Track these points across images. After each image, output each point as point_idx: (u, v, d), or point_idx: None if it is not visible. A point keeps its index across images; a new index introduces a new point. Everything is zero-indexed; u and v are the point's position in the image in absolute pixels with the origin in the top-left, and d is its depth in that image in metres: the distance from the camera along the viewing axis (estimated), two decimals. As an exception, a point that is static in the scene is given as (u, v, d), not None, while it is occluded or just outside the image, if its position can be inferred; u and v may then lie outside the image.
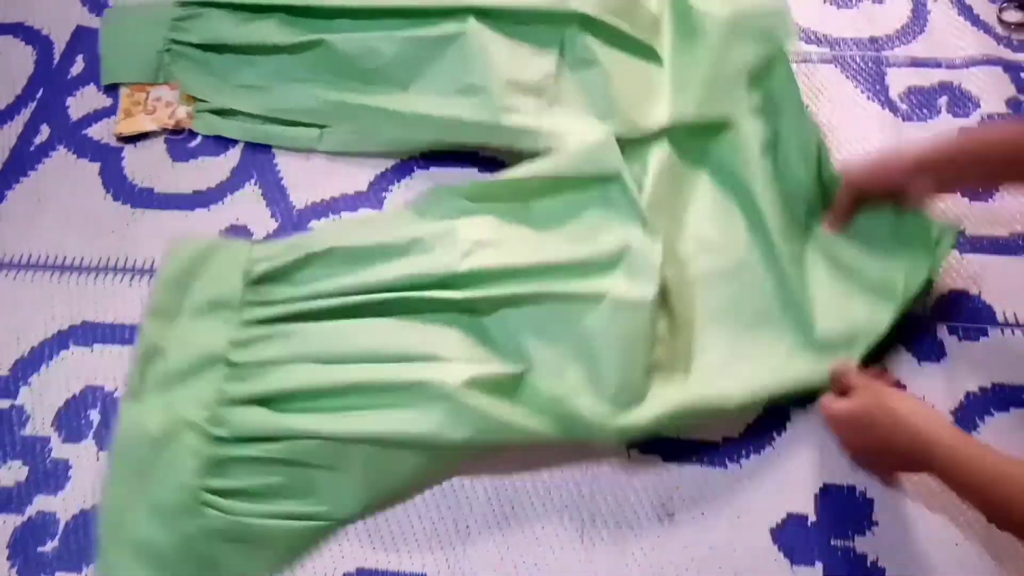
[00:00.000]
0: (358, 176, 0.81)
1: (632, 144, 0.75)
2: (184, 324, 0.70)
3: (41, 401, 0.70)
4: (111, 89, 0.88)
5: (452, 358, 0.65)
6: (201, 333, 0.69)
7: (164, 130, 0.84)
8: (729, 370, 0.66)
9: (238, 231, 0.78)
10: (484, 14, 0.79)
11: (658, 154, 0.74)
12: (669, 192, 0.74)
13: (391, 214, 0.78)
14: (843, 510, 0.62)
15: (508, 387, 0.64)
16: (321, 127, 0.82)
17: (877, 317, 0.66)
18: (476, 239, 0.70)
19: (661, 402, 0.62)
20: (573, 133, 0.75)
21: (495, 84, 0.76)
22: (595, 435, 0.62)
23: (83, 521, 0.64)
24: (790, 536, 0.61)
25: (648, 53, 0.82)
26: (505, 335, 0.67)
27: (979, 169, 0.65)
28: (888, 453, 0.59)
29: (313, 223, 0.78)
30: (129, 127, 0.84)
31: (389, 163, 0.82)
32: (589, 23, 0.79)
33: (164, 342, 0.68)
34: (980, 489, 0.52)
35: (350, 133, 0.82)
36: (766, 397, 0.64)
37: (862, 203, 0.70)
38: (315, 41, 0.82)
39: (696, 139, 0.77)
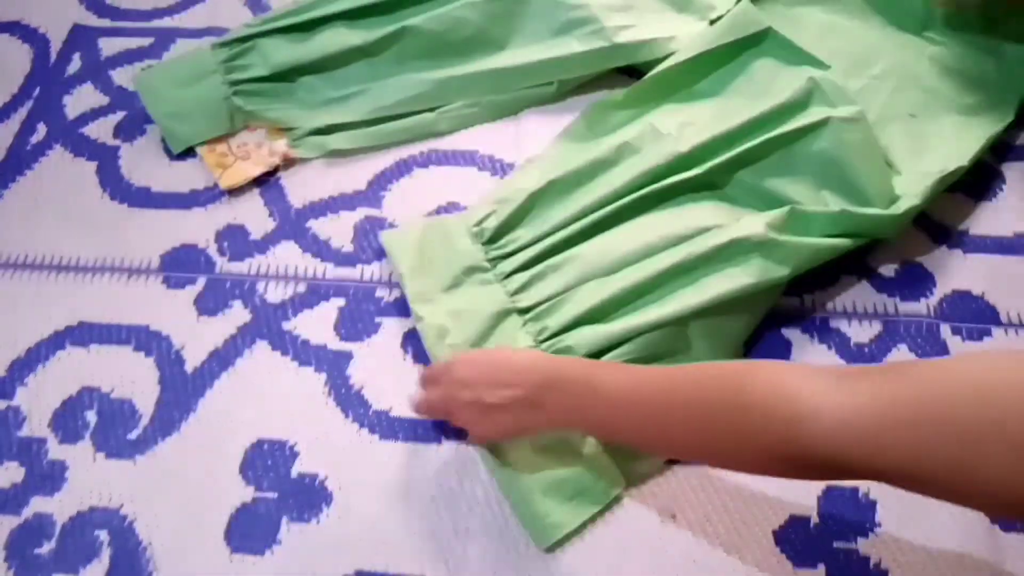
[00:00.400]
0: (357, 175, 0.81)
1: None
2: (449, 300, 0.69)
3: (37, 402, 0.69)
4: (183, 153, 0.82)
5: (730, 222, 0.67)
6: (473, 299, 0.68)
7: (276, 169, 0.80)
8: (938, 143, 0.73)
9: (235, 231, 0.78)
10: None
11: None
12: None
13: (563, 149, 0.78)
14: (846, 512, 0.62)
15: (797, 222, 0.66)
16: (433, 109, 0.81)
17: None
18: (677, 123, 0.73)
19: (915, 178, 0.69)
20: (685, 34, 0.79)
21: (595, 10, 0.79)
22: (886, 227, 0.68)
23: (80, 523, 0.63)
24: (792, 538, 0.61)
25: None
26: (753, 194, 0.70)
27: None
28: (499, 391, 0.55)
29: (311, 222, 0.78)
30: (233, 178, 0.78)
31: (388, 162, 0.81)
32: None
33: (443, 320, 0.67)
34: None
35: (467, 107, 0.81)
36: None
37: None
38: (396, 31, 0.81)
39: None
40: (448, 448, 0.65)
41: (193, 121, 0.81)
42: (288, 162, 0.81)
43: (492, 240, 0.71)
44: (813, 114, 0.69)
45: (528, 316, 0.67)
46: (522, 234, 0.71)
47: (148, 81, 0.84)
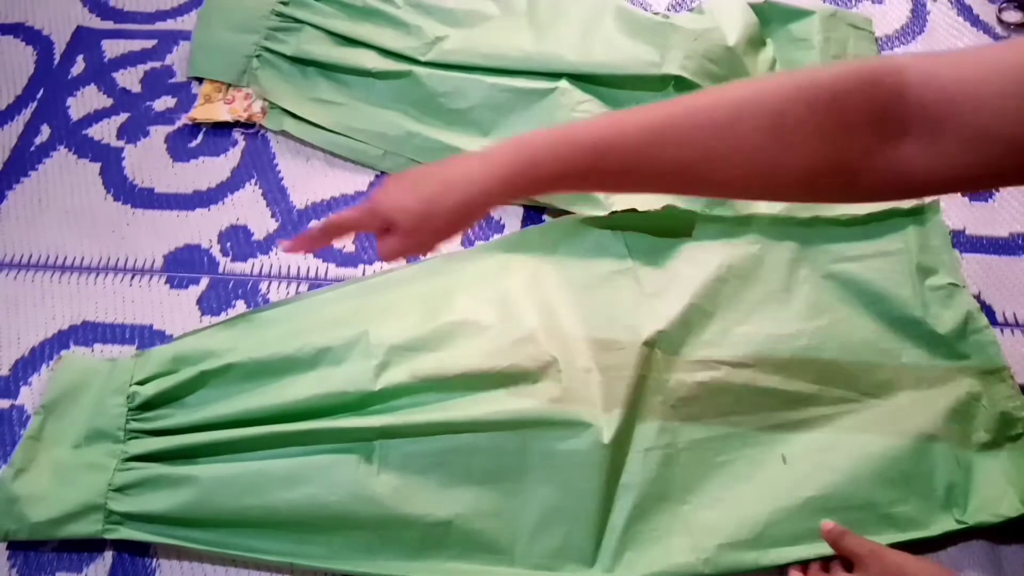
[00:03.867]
0: (358, 176, 0.81)
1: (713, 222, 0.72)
2: (63, 457, 0.62)
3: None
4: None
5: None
6: (80, 472, 0.61)
7: (236, 122, 0.84)
8: None
9: (238, 231, 0.79)
10: (578, 78, 0.78)
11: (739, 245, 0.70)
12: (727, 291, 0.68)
13: (315, 300, 0.71)
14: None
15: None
16: (384, 150, 0.81)
17: None
18: (390, 344, 0.64)
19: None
20: (640, 206, 0.72)
21: None
22: None
23: (83, 521, 0.64)
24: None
25: None
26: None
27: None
28: None
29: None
30: (204, 114, 0.85)
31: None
32: (685, 87, 0.77)
33: (40, 483, 0.60)
34: None
35: (411, 162, 0.80)
36: None
37: None
38: (404, 72, 0.81)
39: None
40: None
41: (215, 60, 0.87)
42: (251, 123, 0.84)
43: (142, 407, 0.63)
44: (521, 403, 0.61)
45: (108, 520, 0.59)
46: (172, 416, 0.63)
47: (210, 13, 0.90)
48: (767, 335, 0.66)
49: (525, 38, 0.83)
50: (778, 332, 0.66)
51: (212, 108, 0.85)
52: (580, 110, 0.77)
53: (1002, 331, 0.69)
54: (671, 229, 0.71)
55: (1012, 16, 0.88)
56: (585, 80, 0.78)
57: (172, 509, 0.59)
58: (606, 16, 0.83)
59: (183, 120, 0.85)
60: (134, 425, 0.63)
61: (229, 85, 0.86)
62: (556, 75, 0.78)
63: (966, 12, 0.90)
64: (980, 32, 0.88)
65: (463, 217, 0.51)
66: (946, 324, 0.66)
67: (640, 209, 0.71)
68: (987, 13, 0.89)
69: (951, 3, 0.91)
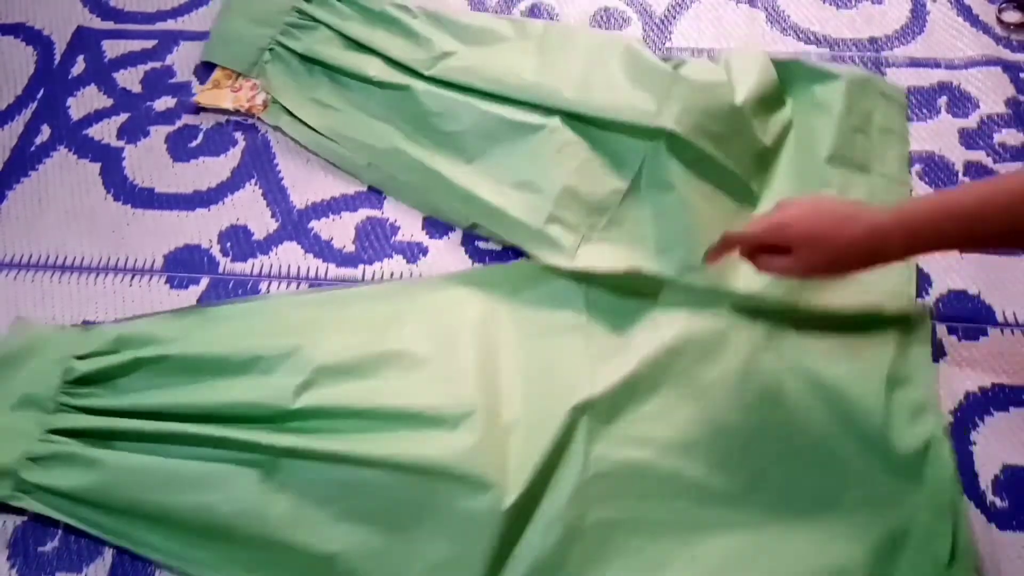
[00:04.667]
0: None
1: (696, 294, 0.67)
2: None
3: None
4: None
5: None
6: (5, 435, 0.62)
7: (236, 111, 0.85)
8: None
9: (238, 231, 0.79)
10: (572, 116, 0.75)
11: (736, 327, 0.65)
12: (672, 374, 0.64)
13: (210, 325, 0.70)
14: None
15: None
16: (369, 162, 0.80)
17: None
18: (321, 363, 0.63)
19: None
20: (603, 267, 0.69)
21: (553, 189, 0.72)
22: None
23: (83, 521, 0.64)
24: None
25: (741, 191, 0.73)
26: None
27: (950, 243, 0.59)
28: (846, 253, 0.56)
29: (313, 223, 0.79)
30: (209, 99, 0.86)
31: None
32: (678, 144, 0.72)
33: None
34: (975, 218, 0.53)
35: (392, 178, 0.79)
36: None
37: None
38: (403, 85, 0.81)
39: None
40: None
41: (230, 49, 0.89)
42: (249, 113, 0.85)
43: (76, 382, 0.64)
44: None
45: (17, 486, 0.60)
46: (101, 397, 0.64)
47: (233, 3, 0.92)
48: (710, 422, 0.61)
49: (530, 65, 0.81)
50: (723, 420, 0.61)
51: (218, 94, 0.86)
52: (566, 152, 0.74)
53: (1002, 331, 0.69)
54: (635, 289, 0.68)
55: (1012, 16, 0.88)
56: (577, 119, 0.75)
57: (77, 489, 0.60)
58: (614, 54, 0.80)
59: (195, 96, 0.87)
60: (64, 399, 0.64)
61: (239, 75, 0.87)
62: (551, 110, 0.76)
63: (966, 12, 0.90)
64: (980, 32, 0.88)
65: (858, 254, 0.56)
66: (907, 443, 0.59)
67: (602, 270, 0.68)
68: (987, 13, 0.89)
69: (951, 3, 0.91)
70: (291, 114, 0.83)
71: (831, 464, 0.60)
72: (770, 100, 0.78)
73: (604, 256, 0.70)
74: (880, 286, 0.67)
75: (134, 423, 0.62)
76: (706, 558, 0.57)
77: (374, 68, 0.83)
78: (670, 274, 0.68)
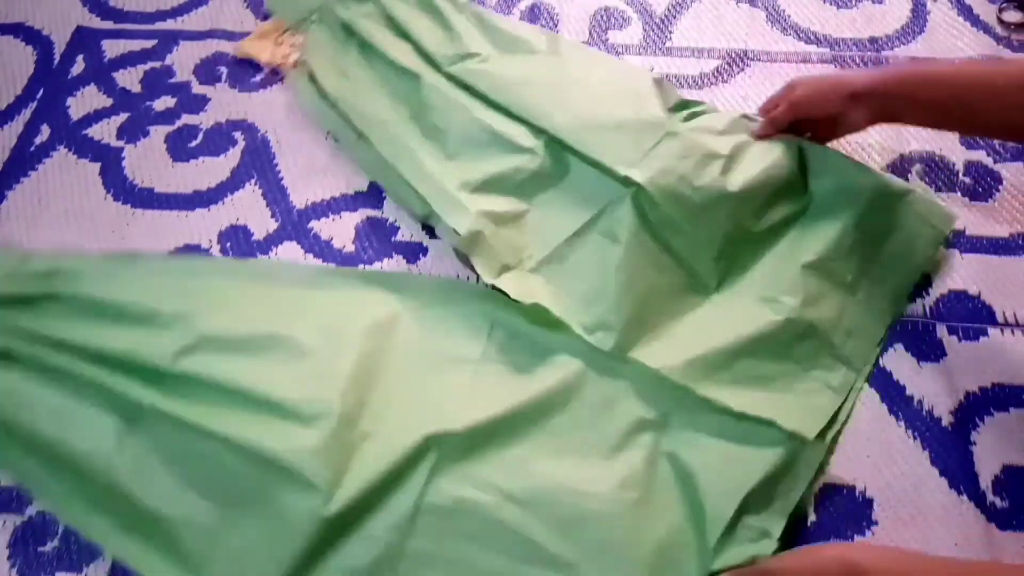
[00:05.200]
0: (359, 176, 0.81)
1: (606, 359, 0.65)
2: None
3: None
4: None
5: None
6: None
7: (269, 64, 0.89)
8: None
9: (238, 231, 0.78)
10: (557, 142, 0.74)
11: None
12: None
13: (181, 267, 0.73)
14: (843, 510, 0.62)
15: None
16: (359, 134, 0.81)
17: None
18: (207, 333, 0.64)
19: None
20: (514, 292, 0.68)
21: (508, 206, 0.73)
22: None
23: (83, 521, 0.64)
24: (791, 536, 0.61)
25: (697, 273, 0.69)
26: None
27: (917, 110, 0.65)
28: None
29: (313, 223, 0.79)
30: (251, 48, 0.90)
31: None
32: (644, 200, 0.68)
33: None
34: None
35: (377, 156, 0.79)
36: None
37: (802, 123, 0.72)
38: (415, 73, 0.82)
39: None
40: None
41: (288, 3, 0.93)
42: (280, 67, 0.89)
43: None
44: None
45: None
46: (11, 318, 0.68)
47: None
48: (562, 485, 0.59)
49: (542, 79, 0.79)
50: (575, 486, 0.59)
51: (261, 45, 0.90)
52: (537, 180, 0.74)
53: (1002, 331, 0.69)
54: (550, 326, 0.67)
55: (1012, 16, 0.88)
56: (560, 145, 0.74)
57: None
58: (624, 88, 0.77)
59: (239, 43, 0.91)
60: None
61: (287, 30, 0.91)
62: (540, 131, 0.75)
63: (966, 12, 0.90)
64: (980, 32, 0.88)
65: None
66: (728, 559, 0.57)
67: (512, 294, 0.67)
68: (987, 13, 0.89)
69: (951, 3, 0.91)
70: (312, 80, 0.85)
71: (677, 557, 0.57)
72: (781, 186, 0.71)
73: (528, 286, 0.68)
74: (794, 408, 0.63)
75: (24, 346, 0.65)
76: None
77: (399, 51, 0.84)
78: (580, 326, 0.66)
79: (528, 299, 0.67)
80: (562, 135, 0.74)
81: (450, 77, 0.81)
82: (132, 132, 0.86)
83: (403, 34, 0.86)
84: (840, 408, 0.64)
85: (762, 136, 0.73)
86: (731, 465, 0.60)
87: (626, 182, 0.69)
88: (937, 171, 0.78)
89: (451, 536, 0.58)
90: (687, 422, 0.63)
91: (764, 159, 0.71)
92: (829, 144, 0.73)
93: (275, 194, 0.81)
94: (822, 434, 0.62)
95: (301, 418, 0.60)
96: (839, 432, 0.64)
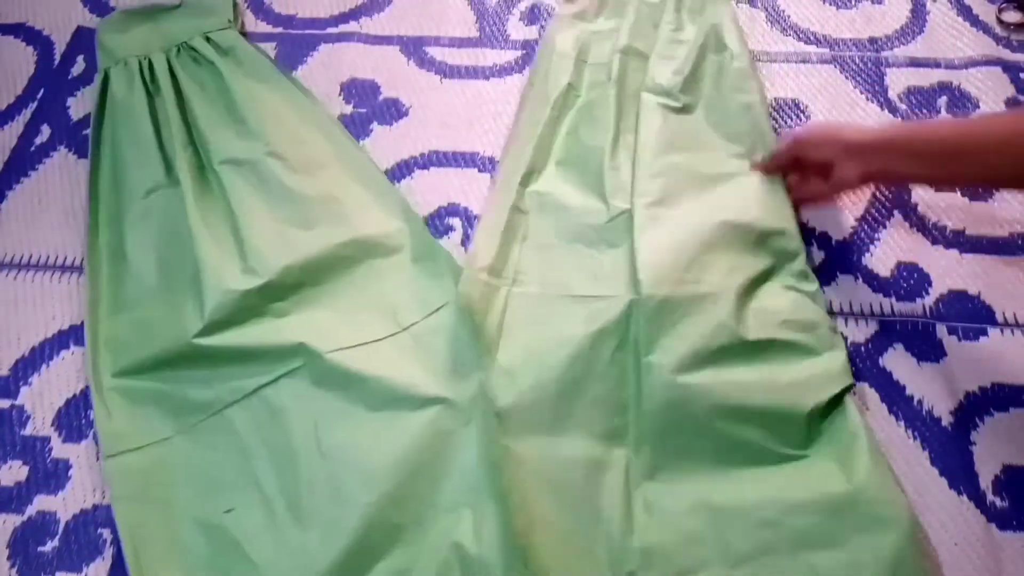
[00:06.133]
0: (358, 176, 0.82)
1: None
2: None
3: (41, 401, 0.70)
4: None
5: None
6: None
7: None
8: None
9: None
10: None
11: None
12: None
13: None
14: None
15: None
16: None
17: None
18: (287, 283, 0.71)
19: None
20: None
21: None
22: None
23: (83, 521, 0.64)
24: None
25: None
26: None
27: (913, 161, 0.65)
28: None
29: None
30: None
31: (390, 163, 0.82)
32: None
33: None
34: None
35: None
36: None
37: (798, 166, 0.72)
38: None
39: None
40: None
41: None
42: None
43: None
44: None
45: None
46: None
47: None
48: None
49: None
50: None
51: None
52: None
53: (1002, 331, 0.69)
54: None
55: (1012, 16, 0.88)
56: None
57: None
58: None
59: None
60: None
61: None
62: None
63: (966, 12, 0.90)
64: (980, 32, 0.88)
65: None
66: None
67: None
68: (987, 13, 0.89)
69: (951, 3, 0.91)
70: None
71: None
72: None
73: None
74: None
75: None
76: None
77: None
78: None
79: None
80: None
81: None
82: (132, 132, 0.86)
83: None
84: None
85: (761, 168, 0.74)
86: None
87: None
88: (937, 171, 0.78)
89: None
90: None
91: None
92: (825, 203, 0.75)
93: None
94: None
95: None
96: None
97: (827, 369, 0.64)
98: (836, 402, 0.63)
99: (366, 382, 0.65)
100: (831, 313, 0.70)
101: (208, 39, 0.87)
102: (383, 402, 0.64)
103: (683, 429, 0.62)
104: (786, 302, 0.68)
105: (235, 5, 0.92)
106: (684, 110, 0.79)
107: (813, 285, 0.69)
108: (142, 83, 0.83)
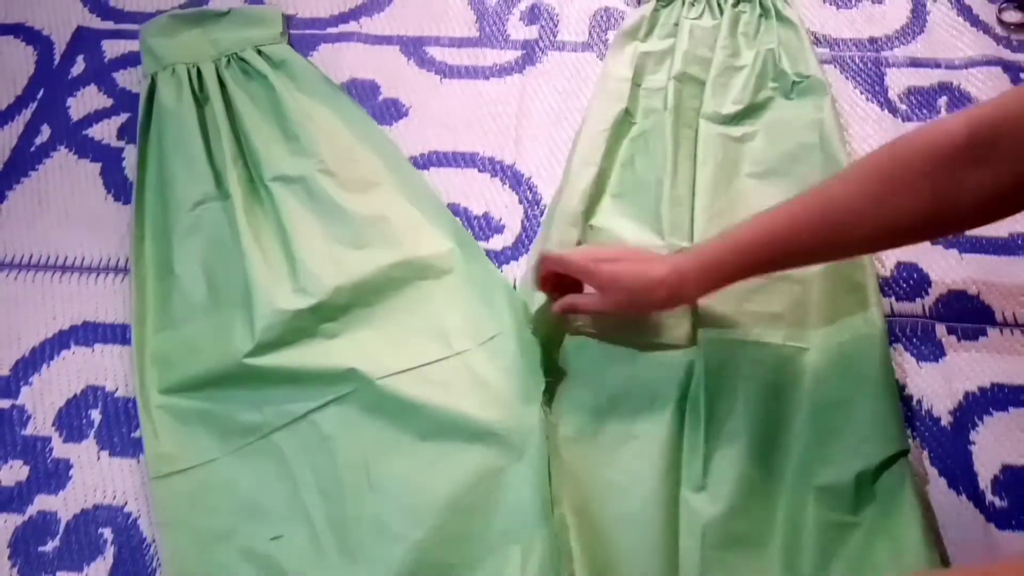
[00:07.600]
0: (358, 176, 0.82)
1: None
2: None
3: (42, 401, 0.70)
4: None
5: None
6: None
7: None
8: None
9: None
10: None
11: None
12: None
13: None
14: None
15: None
16: None
17: None
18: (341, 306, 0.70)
19: None
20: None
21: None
22: None
23: (84, 520, 0.64)
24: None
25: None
26: None
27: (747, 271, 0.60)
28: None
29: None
30: None
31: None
32: None
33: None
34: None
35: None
36: None
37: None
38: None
39: None
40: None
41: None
42: None
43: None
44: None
45: None
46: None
47: None
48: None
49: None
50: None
51: None
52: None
53: (1001, 331, 0.69)
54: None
55: (1012, 16, 0.89)
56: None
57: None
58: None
59: None
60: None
61: None
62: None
63: (966, 12, 0.90)
64: (980, 32, 0.88)
65: (660, 292, 0.61)
66: None
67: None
68: (987, 13, 0.89)
69: (951, 3, 0.91)
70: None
71: None
72: None
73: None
74: None
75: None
76: None
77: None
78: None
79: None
80: None
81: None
82: (132, 132, 0.85)
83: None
84: None
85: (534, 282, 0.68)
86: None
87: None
88: (937, 171, 0.78)
89: None
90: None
91: None
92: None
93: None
94: None
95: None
96: None
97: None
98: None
99: (417, 410, 0.64)
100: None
101: (259, 51, 0.86)
102: (434, 431, 0.63)
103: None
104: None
105: (285, 18, 0.91)
106: (744, 139, 0.78)
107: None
108: (191, 92, 0.83)
